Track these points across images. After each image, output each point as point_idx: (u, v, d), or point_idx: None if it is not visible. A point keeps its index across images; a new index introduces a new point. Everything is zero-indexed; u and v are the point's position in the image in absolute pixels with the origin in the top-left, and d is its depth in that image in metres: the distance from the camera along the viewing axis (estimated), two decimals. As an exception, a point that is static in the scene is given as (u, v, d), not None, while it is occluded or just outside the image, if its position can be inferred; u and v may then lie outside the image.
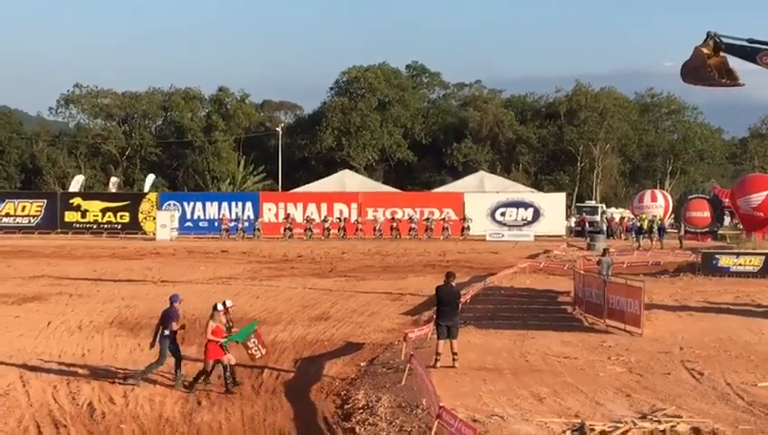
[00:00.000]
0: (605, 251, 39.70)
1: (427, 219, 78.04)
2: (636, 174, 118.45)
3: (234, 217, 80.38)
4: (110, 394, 21.48)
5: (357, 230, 77.72)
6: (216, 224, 79.49)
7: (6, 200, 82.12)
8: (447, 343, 23.03)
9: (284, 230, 77.13)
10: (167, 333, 22.48)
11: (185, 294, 37.50)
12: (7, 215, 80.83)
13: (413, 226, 77.67)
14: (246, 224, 79.35)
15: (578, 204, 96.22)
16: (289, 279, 45.05)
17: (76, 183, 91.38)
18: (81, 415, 19.89)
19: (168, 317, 22.66)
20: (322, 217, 79.27)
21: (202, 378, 21.87)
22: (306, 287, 41.39)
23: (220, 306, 22.43)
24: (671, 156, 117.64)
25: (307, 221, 78.48)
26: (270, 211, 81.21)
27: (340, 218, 78.70)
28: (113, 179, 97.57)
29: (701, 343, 27.16)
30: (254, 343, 23.18)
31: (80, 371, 24.15)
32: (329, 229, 77.85)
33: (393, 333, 29.11)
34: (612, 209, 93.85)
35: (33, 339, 28.21)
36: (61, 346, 27.10)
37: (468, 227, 77.74)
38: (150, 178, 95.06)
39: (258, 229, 77.93)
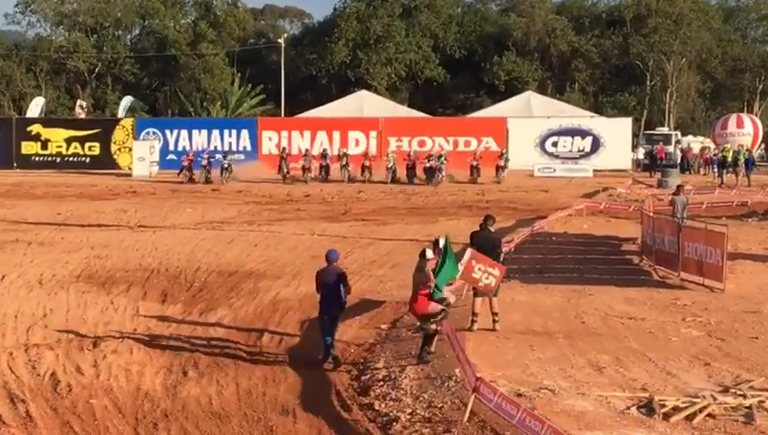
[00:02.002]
0: (679, 188, 39.57)
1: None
2: (718, 95, 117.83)
3: (204, 149, 77.27)
4: (77, 363, 21.58)
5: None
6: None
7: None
8: (486, 301, 23.03)
9: (279, 168, 73.31)
10: (325, 299, 21.78)
11: (166, 242, 37.84)
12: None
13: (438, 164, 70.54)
14: (240, 157, 78.89)
15: (647, 131, 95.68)
16: (294, 224, 45.14)
17: (35, 106, 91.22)
18: (42, 387, 20.00)
19: (332, 279, 21.92)
20: (337, 152, 77.08)
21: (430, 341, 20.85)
22: (314, 233, 41.46)
23: (429, 253, 20.81)
24: (762, 72, 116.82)
25: (305, 155, 73.58)
26: (271, 141, 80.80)
27: (365, 157, 73.27)
28: (80, 103, 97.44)
29: (796, 300, 27.12)
30: (479, 269, 22.08)
31: (40, 334, 24.30)
32: (346, 166, 72.40)
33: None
34: (689, 138, 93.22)
35: (-16, 296, 28.36)
36: (17, 305, 27.21)
37: (505, 166, 72.88)
38: (126, 100, 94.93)
39: (227, 168, 71.24)
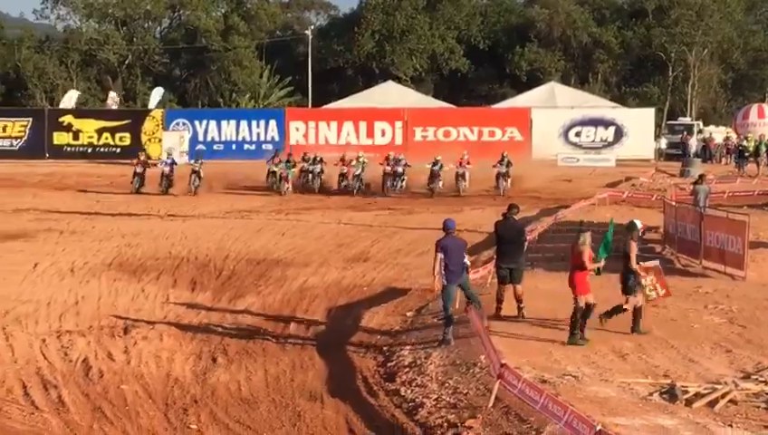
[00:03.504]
0: (701, 177, 39.41)
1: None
2: (740, 85, 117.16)
3: (167, 155, 60.32)
4: (108, 349, 21.67)
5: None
6: (234, 147, 79.37)
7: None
8: (510, 288, 22.99)
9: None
10: (452, 268, 21.60)
11: (195, 230, 37.90)
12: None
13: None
14: (271, 147, 78.77)
15: (669, 121, 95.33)
16: (320, 212, 45.18)
17: (69, 100, 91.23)
18: (74, 373, 20.09)
19: (456, 248, 21.87)
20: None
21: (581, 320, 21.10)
22: (341, 222, 41.50)
23: (584, 238, 21.37)
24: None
25: (341, 161, 57.51)
26: (298, 131, 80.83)
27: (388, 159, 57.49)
28: (112, 94, 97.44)
29: (818, 288, 26.99)
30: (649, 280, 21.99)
31: (72, 321, 24.39)
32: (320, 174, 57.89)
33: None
34: (711, 128, 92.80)
35: (18, 284, 28.46)
36: (50, 292, 27.34)
37: (507, 175, 56.20)
38: (158, 92, 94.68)
39: (197, 172, 55.75)
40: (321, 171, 57.75)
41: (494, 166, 56.05)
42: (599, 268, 21.48)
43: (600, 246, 21.94)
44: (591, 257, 21.13)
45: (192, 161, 57.94)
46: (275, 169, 56.62)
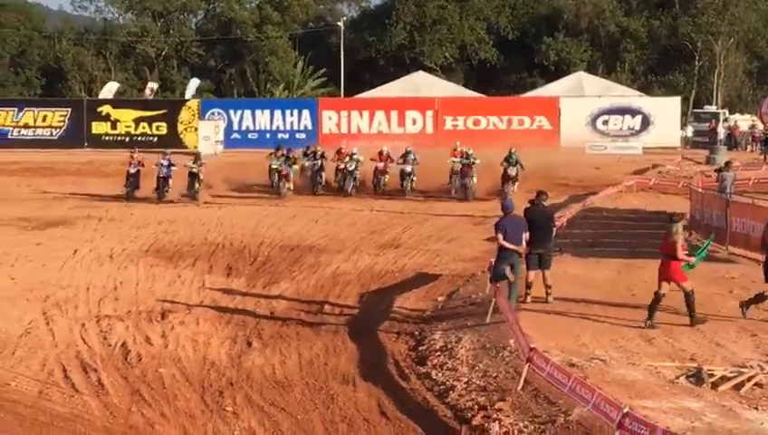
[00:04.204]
0: (727, 164, 39.23)
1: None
2: (765, 74, 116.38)
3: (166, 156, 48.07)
4: (146, 333, 21.74)
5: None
6: (269, 136, 79.37)
7: (25, 109, 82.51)
8: (539, 274, 22.94)
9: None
10: (512, 247, 21.83)
11: (230, 217, 37.95)
12: (26, 126, 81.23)
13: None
14: (304, 137, 78.88)
15: (695, 110, 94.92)
16: (353, 200, 45.14)
17: (108, 91, 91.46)
18: (113, 357, 20.17)
19: (516, 227, 22.07)
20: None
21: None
22: (373, 210, 41.50)
23: (676, 228, 21.11)
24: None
25: (338, 154, 51.46)
26: (330, 120, 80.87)
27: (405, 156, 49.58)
28: (150, 85, 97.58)
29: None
30: None
31: (111, 306, 24.47)
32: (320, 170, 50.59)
33: (475, 262, 29.05)
34: (737, 116, 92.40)
35: (58, 270, 28.57)
36: (89, 278, 27.44)
37: (516, 177, 47.62)
38: (194, 82, 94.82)
39: (196, 175, 47.30)
40: (321, 168, 50.14)
41: (502, 164, 47.63)
42: (690, 263, 21.44)
43: (699, 250, 22.65)
44: (685, 248, 21.05)
45: (190, 163, 47.22)
46: (276, 166, 49.56)
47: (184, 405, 17.44)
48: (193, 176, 46.72)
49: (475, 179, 47.39)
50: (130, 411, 17.06)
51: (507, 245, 21.63)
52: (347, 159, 49.81)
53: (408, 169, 48.86)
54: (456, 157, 48.47)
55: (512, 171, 47.38)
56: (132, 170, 47.75)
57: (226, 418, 16.82)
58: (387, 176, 49.31)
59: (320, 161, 50.56)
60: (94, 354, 20.22)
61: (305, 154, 52.28)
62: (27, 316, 23.11)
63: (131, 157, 48.68)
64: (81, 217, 38.74)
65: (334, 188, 49.43)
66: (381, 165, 49.34)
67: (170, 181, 46.66)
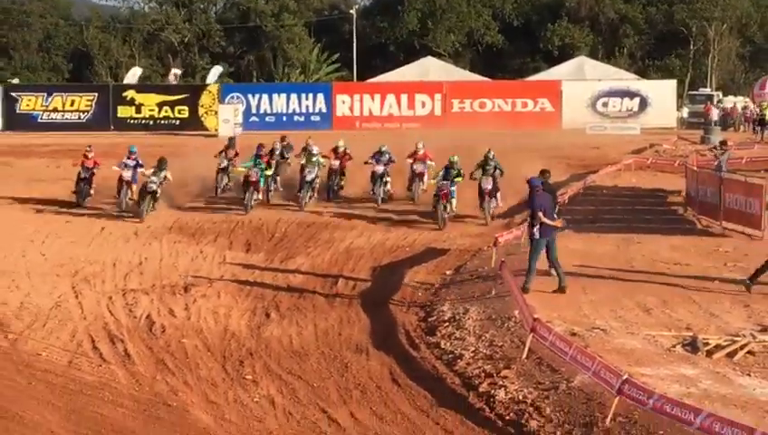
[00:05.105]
0: (723, 143, 39.20)
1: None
2: (757, 57, 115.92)
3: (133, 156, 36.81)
4: (170, 306, 21.78)
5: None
6: (285, 119, 79.35)
7: (54, 94, 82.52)
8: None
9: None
10: (536, 226, 21.37)
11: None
12: (55, 110, 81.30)
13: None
14: (318, 119, 78.92)
15: (690, 92, 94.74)
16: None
17: (133, 76, 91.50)
18: (138, 328, 20.21)
19: (549, 202, 21.73)
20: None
21: None
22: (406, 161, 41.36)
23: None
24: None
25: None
26: (344, 104, 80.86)
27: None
28: (174, 71, 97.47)
29: (831, 247, 26.73)
30: None
31: (136, 280, 24.51)
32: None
33: (482, 237, 29.07)
34: (730, 98, 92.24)
35: (86, 246, 28.64)
36: (116, 254, 27.49)
37: (496, 189, 33.84)
38: (217, 69, 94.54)
39: (153, 193, 34.26)
40: (277, 169, 38.42)
41: (473, 175, 33.89)
42: None
43: None
44: None
45: (150, 173, 34.69)
46: (227, 166, 39.00)
47: (206, 374, 17.47)
48: (149, 194, 33.83)
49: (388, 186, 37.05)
50: (155, 380, 17.09)
51: (549, 222, 21.44)
52: (304, 159, 37.32)
53: (381, 169, 36.61)
54: (412, 159, 37.35)
55: (486, 183, 33.38)
56: (85, 174, 36.77)
57: (246, 385, 16.84)
58: (343, 178, 38.53)
59: (289, 156, 40.80)
60: (121, 326, 20.26)
61: (273, 150, 39.50)
62: (57, 290, 23.16)
63: (84, 156, 37.65)
64: (107, 196, 38.68)
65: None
66: (337, 164, 38.20)
67: (134, 187, 35.21)
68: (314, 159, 36.83)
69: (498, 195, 34.04)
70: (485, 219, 32.89)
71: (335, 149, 38.60)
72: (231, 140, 42.07)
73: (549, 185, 23.54)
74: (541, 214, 21.19)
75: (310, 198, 36.21)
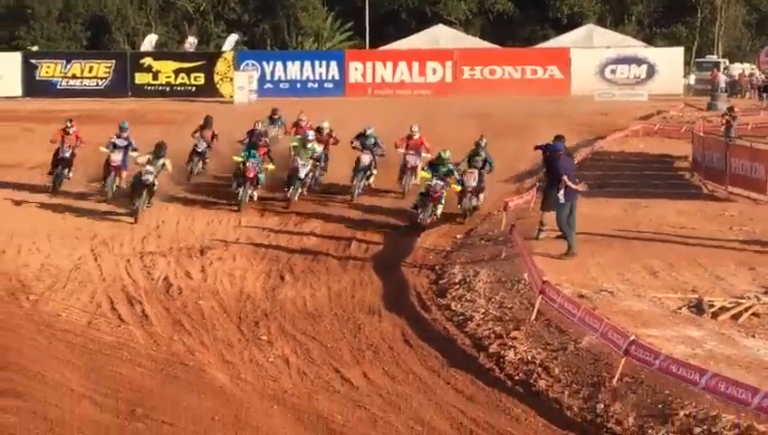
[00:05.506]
0: (731, 110, 39.19)
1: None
2: (763, 25, 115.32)
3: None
4: (186, 269, 21.82)
5: None
6: (299, 86, 79.27)
7: (73, 61, 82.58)
8: (552, 214, 22.83)
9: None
10: (561, 191, 21.34)
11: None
12: (74, 77, 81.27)
13: None
14: (332, 86, 78.80)
15: (697, 59, 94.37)
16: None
17: (149, 43, 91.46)
18: (156, 290, 20.26)
19: (572, 167, 22.04)
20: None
21: None
22: (396, 149, 41.30)
23: None
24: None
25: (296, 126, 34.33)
26: (357, 71, 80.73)
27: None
28: (190, 39, 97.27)
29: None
30: None
31: (154, 243, 24.55)
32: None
33: (491, 202, 29.00)
34: (737, 65, 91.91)
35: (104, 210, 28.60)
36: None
37: (480, 189, 28.01)
38: (233, 37, 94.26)
39: (140, 203, 27.27)
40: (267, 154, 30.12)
41: (458, 168, 27.49)
42: None
43: None
44: None
45: (144, 160, 27.90)
46: (203, 151, 33.01)
47: (222, 334, 17.52)
48: (144, 186, 27.38)
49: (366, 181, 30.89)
50: (172, 340, 17.14)
51: (574, 186, 21.42)
52: (295, 146, 30.59)
53: (367, 159, 30.65)
54: (402, 146, 31.44)
55: (470, 180, 27.68)
56: (66, 153, 30.76)
57: (261, 346, 16.88)
58: (325, 164, 32.47)
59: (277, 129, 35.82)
60: (138, 288, 20.31)
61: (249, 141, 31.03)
62: (77, 253, 23.22)
63: (64, 132, 31.27)
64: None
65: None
66: (320, 150, 31.60)
67: (123, 173, 30.02)
68: (309, 146, 30.09)
69: (482, 195, 28.02)
70: (462, 216, 27.38)
71: (318, 130, 32.67)
72: (208, 119, 34.31)
73: (568, 150, 23.56)
74: (566, 178, 21.18)
75: (299, 195, 29.55)
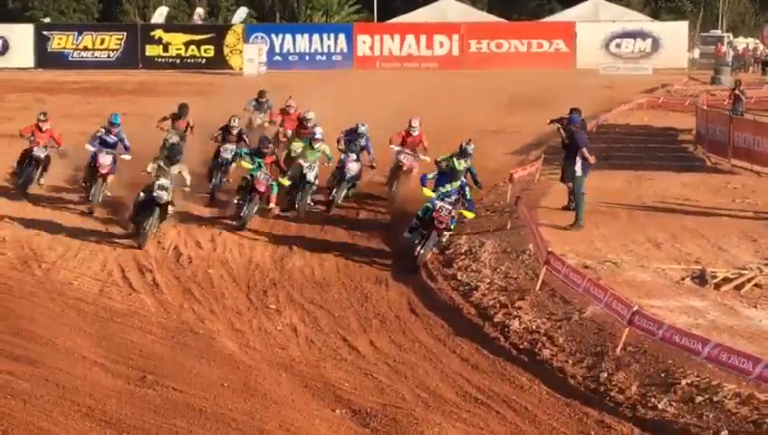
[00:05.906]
0: (738, 82, 39.25)
1: None
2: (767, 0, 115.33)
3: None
4: (196, 238, 21.78)
5: None
6: (307, 58, 79.09)
7: (84, 33, 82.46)
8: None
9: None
10: (578, 163, 21.50)
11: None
12: (85, 49, 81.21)
13: None
14: (340, 58, 78.64)
15: (702, 33, 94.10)
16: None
17: (159, 15, 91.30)
18: (166, 259, 20.25)
19: (583, 137, 21.98)
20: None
21: None
22: (389, 145, 41.16)
23: None
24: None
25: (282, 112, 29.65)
26: (365, 44, 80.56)
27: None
28: (199, 11, 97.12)
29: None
30: None
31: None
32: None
33: (497, 174, 28.93)
34: (741, 39, 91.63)
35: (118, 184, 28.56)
36: (144, 188, 27.40)
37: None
38: (242, 11, 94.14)
39: (149, 226, 20.73)
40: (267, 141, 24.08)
41: (437, 160, 22.54)
42: None
43: None
44: None
45: (152, 169, 21.49)
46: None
47: (231, 303, 17.55)
48: (154, 206, 20.92)
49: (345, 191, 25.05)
50: (182, 308, 17.17)
51: (592, 159, 21.48)
52: (297, 148, 25.99)
53: (355, 168, 25.09)
54: (398, 143, 25.99)
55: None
56: (41, 153, 24.69)
57: (270, 314, 16.91)
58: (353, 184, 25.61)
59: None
60: (149, 257, 20.30)
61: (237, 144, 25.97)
62: (88, 224, 23.16)
63: (37, 127, 24.97)
64: (134, 131, 38.60)
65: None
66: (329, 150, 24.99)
67: (110, 178, 23.88)
68: (317, 147, 24.53)
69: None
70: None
71: (302, 121, 27.40)
72: (183, 106, 28.32)
73: (584, 122, 23.58)
74: (584, 150, 21.21)
75: (308, 208, 24.09)
